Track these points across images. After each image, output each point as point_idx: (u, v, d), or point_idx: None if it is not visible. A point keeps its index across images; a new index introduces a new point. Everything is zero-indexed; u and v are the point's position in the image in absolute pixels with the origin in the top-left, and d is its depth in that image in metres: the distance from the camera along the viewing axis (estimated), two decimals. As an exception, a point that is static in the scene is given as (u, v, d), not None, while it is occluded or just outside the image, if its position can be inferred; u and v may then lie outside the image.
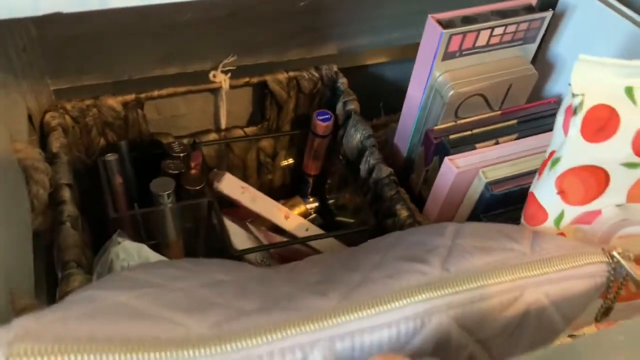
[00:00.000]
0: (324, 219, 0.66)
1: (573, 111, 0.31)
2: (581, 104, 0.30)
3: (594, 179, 0.33)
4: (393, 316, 0.28)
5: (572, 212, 0.35)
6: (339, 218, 0.65)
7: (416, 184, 0.56)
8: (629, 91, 0.30)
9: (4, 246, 0.35)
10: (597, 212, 0.35)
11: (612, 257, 0.34)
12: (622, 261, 0.34)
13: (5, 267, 0.34)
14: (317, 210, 0.67)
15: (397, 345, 0.29)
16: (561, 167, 0.33)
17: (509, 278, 0.32)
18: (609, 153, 0.32)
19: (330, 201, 0.66)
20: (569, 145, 0.32)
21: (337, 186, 0.64)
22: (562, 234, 0.36)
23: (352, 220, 0.62)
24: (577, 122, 0.31)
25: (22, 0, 0.30)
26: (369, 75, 0.67)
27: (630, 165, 0.32)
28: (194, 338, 0.25)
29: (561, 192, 0.34)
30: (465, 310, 0.30)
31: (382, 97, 0.65)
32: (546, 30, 0.55)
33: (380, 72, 0.67)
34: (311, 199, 0.67)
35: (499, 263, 0.32)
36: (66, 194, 0.44)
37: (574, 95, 0.30)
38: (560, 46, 0.55)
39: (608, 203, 0.34)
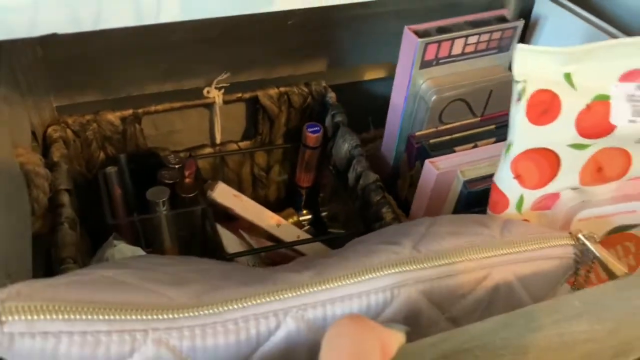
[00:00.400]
0: (318, 231, 0.68)
1: (517, 97, 0.33)
2: (523, 89, 0.33)
3: (546, 161, 0.35)
4: (363, 287, 0.30)
5: (531, 195, 0.37)
6: (331, 230, 0.67)
7: (402, 189, 0.58)
8: (568, 77, 0.33)
9: (5, 244, 0.37)
10: (556, 196, 0.37)
11: (578, 239, 0.36)
12: (587, 243, 0.36)
13: (6, 264, 0.36)
14: (310, 222, 0.69)
15: (367, 317, 0.31)
16: (514, 151, 0.35)
17: (476, 257, 0.33)
18: (556, 135, 0.34)
19: (324, 213, 0.69)
20: (518, 129, 0.34)
21: (330, 198, 0.66)
22: (526, 220, 0.38)
23: (344, 232, 0.64)
24: (521, 106, 0.33)
25: (19, 22, 0.32)
26: (358, 91, 0.70)
27: (577, 147, 0.35)
28: (174, 305, 0.27)
29: (518, 176, 0.36)
30: (434, 285, 0.32)
31: (371, 112, 0.68)
32: (523, 40, 0.58)
33: (369, 88, 0.70)
34: (305, 212, 0.69)
35: (468, 244, 0.34)
36: (65, 198, 0.46)
37: (516, 82, 0.33)
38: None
39: (564, 186, 0.36)
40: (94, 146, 0.56)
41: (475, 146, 0.51)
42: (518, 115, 0.34)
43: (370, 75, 0.69)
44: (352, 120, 0.62)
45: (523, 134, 0.34)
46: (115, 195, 0.55)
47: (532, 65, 0.33)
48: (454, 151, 0.50)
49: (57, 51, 0.53)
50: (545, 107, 0.33)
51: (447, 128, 0.53)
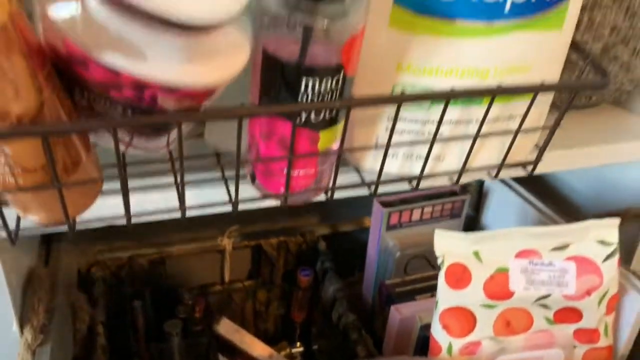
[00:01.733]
0: (310, 363, 0.78)
1: (439, 268, 0.45)
2: (442, 262, 0.45)
3: (464, 317, 0.46)
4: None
5: (457, 343, 0.47)
6: (320, 362, 0.77)
7: (378, 328, 0.68)
8: (476, 254, 0.45)
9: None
10: (478, 343, 0.48)
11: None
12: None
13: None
14: (302, 354, 0.79)
15: None
16: (440, 308, 0.46)
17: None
18: (469, 297, 0.45)
19: (315, 347, 0.79)
20: (440, 292, 0.46)
21: (319, 333, 0.77)
22: (457, 363, 0.49)
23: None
24: (441, 274, 0.45)
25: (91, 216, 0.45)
26: (345, 240, 0.83)
27: (487, 306, 0.46)
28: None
29: (445, 327, 0.47)
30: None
31: (357, 257, 0.80)
32: (478, 207, 0.71)
33: (354, 238, 0.83)
34: (298, 344, 0.79)
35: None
36: (100, 329, 0.58)
37: (437, 257, 0.45)
38: (487, 218, 0.72)
39: (482, 336, 0.47)
40: (126, 283, 0.69)
41: (433, 296, 0.62)
42: (440, 281, 0.46)
43: (355, 227, 0.82)
44: (341, 264, 0.74)
45: (444, 295, 0.46)
46: (139, 323, 0.67)
47: (448, 245, 0.46)
48: (415, 299, 0.62)
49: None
50: (459, 276, 0.45)
51: (411, 279, 0.64)
